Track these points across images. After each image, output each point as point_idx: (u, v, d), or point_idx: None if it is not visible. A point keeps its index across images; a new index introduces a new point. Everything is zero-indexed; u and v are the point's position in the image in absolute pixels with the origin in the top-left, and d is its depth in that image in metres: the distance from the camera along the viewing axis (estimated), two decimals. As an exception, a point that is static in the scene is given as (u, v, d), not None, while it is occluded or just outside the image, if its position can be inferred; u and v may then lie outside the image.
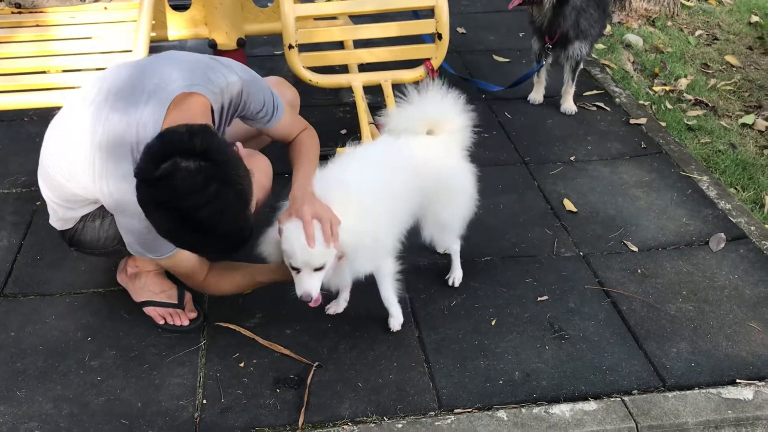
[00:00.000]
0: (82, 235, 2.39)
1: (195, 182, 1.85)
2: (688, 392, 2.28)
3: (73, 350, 2.41)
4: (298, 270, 2.14)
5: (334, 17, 4.06)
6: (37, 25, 3.23)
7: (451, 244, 2.65)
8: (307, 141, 2.45)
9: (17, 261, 2.79)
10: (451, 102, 2.45)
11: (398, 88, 2.52)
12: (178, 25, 3.88)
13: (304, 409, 2.20)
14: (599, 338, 2.49)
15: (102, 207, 2.26)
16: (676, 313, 2.61)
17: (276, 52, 4.48)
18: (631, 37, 4.98)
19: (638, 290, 2.71)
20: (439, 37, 3.40)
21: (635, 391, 2.29)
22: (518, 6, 3.65)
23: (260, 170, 2.20)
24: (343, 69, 3.72)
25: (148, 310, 2.53)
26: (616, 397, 2.26)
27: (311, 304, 2.19)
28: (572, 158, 3.57)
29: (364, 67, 3.69)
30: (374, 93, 3.61)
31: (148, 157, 1.89)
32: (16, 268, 2.75)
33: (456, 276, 2.70)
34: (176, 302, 2.53)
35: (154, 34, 3.66)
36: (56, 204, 2.35)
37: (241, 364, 2.36)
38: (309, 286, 2.14)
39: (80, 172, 2.16)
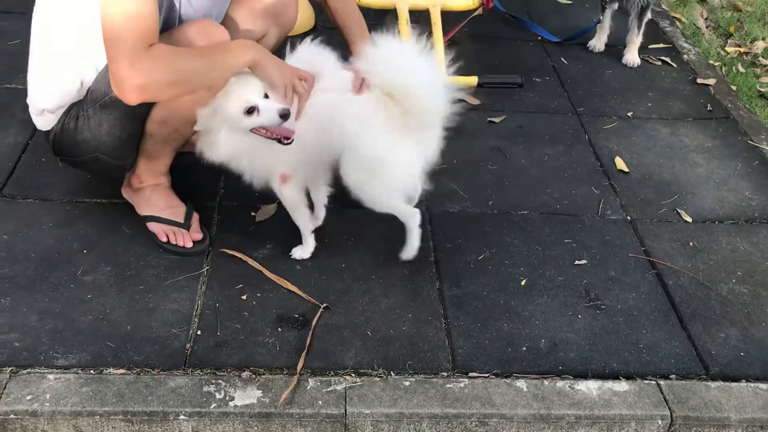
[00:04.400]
0: (62, 140, 2.22)
1: None
2: (733, 384, 2.03)
3: (66, 262, 2.23)
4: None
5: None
6: None
7: (399, 215, 2.20)
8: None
9: (21, 161, 2.61)
10: (428, 80, 1.97)
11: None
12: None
13: (305, 353, 2.00)
14: (638, 313, 2.24)
15: (79, 104, 2.15)
16: (728, 294, 2.34)
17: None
18: (708, -9, 4.55)
19: (688, 265, 2.44)
20: (499, -38, 3.08)
21: (673, 376, 2.05)
22: None
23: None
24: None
25: (152, 226, 2.34)
26: (651, 380, 2.02)
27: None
28: (629, 114, 3.26)
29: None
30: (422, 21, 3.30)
31: None
32: (19, 169, 2.57)
33: (406, 253, 2.29)
34: (182, 221, 2.34)
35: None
36: (37, 91, 2.23)
37: (244, 297, 2.17)
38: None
39: None
